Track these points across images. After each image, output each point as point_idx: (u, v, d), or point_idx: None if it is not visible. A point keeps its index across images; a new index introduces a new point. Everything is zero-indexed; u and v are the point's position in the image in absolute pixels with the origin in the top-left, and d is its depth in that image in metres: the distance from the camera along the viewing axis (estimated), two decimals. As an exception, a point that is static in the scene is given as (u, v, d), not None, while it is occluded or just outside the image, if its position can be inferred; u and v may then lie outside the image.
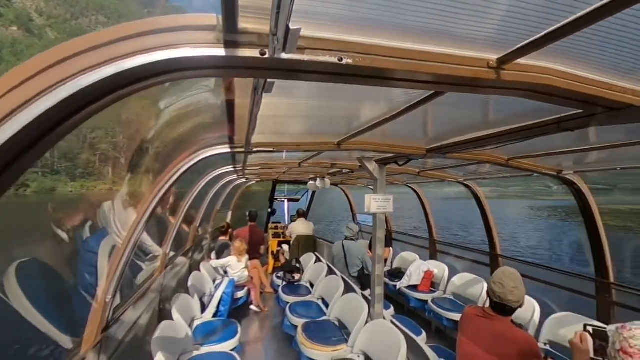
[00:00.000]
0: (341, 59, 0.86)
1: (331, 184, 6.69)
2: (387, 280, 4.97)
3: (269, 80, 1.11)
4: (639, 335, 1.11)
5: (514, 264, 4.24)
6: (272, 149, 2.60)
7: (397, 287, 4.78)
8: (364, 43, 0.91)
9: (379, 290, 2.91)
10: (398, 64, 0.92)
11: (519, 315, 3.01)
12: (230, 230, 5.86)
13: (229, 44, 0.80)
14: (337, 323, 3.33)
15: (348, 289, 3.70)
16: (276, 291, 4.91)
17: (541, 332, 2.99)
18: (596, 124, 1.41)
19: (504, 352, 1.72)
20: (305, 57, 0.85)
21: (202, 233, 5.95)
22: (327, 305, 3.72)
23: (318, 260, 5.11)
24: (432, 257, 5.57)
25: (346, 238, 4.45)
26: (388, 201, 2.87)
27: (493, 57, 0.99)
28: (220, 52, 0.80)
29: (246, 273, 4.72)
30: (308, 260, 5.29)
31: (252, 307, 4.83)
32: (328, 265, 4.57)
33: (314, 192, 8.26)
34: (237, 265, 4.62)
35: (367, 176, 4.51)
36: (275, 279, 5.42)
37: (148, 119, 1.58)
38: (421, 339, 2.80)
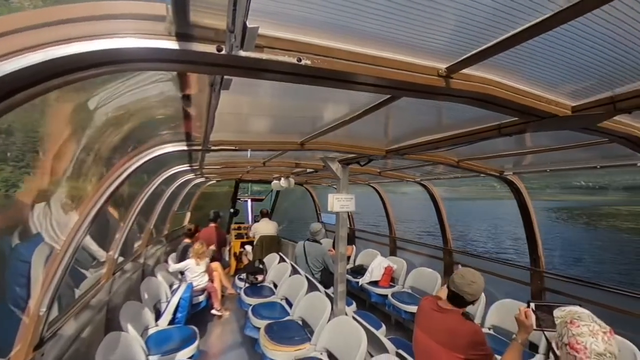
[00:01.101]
0: (300, 60, 0.86)
1: (296, 184, 6.67)
2: (350, 277, 5.09)
3: (226, 77, 1.08)
4: (585, 333, 1.22)
5: (463, 257, 4.61)
6: (233, 147, 2.52)
7: (360, 284, 4.92)
8: (324, 45, 0.92)
9: (342, 287, 2.97)
10: (356, 68, 0.95)
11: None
12: (197, 234, 5.51)
13: (181, 37, 0.76)
14: (300, 322, 3.34)
15: (312, 287, 3.72)
16: (238, 294, 4.77)
17: (486, 319, 3.29)
18: (530, 130, 1.59)
19: (455, 344, 1.88)
20: (263, 55, 0.84)
21: (157, 236, 5.57)
22: (290, 305, 3.71)
23: (282, 260, 5.06)
24: (392, 253, 5.83)
25: (308, 239, 4.46)
26: (351, 200, 2.94)
27: (442, 66, 1.07)
28: (172, 45, 0.75)
29: (206, 277, 4.51)
30: (272, 260, 5.23)
31: (213, 311, 4.64)
32: (292, 265, 4.56)
33: (278, 192, 8.17)
34: (196, 269, 4.41)
35: (331, 176, 4.58)
36: (237, 281, 5.27)
37: (91, 111, 1.43)
38: (381, 332, 2.92)
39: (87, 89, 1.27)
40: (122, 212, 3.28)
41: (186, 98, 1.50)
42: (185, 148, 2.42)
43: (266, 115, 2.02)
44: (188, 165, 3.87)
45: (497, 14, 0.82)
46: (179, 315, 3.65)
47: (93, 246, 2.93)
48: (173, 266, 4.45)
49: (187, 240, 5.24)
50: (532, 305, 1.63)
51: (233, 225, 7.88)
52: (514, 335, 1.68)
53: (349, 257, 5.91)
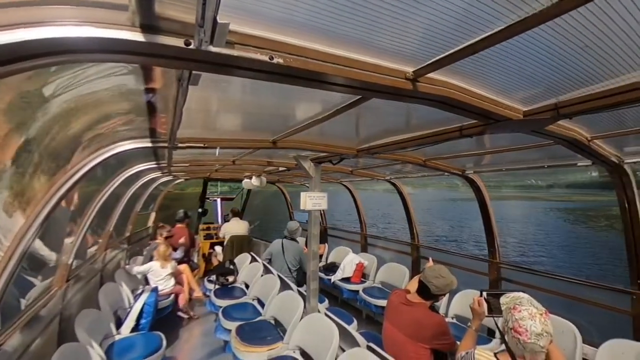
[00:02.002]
0: (272, 58, 0.86)
1: (268, 182, 6.58)
2: (322, 274, 5.14)
3: (194, 72, 1.04)
4: (526, 317, 1.37)
5: (429, 251, 4.85)
6: (202, 145, 2.44)
7: (332, 281, 4.99)
8: (296, 45, 0.92)
9: (314, 285, 3.00)
10: (328, 68, 0.96)
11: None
12: (170, 237, 5.19)
13: (146, 29, 0.73)
14: (273, 322, 3.32)
15: (284, 286, 3.71)
16: (208, 296, 4.62)
17: (449, 308, 3.50)
18: (488, 132, 1.71)
19: (421, 335, 2.00)
20: (235, 52, 0.82)
21: (118, 238, 5.21)
22: (263, 306, 3.67)
23: (254, 260, 4.98)
24: (363, 250, 5.97)
25: (285, 237, 4.44)
26: (323, 198, 2.97)
27: (410, 69, 1.12)
28: (135, 36, 0.71)
29: (172, 281, 4.31)
30: (243, 260, 5.12)
31: (180, 313, 4.45)
32: (264, 265, 4.50)
33: (249, 191, 8.01)
34: (160, 272, 4.19)
35: (304, 174, 4.59)
36: (206, 283, 5.09)
37: (41, 102, 1.30)
38: (352, 327, 2.98)
39: (38, 76, 1.16)
40: (78, 213, 3.03)
41: (151, 92, 1.42)
42: (149, 145, 2.29)
43: (237, 113, 1.97)
44: (155, 163, 3.66)
45: (460, 23, 0.88)
46: (142, 321, 3.46)
47: (44, 251, 2.67)
48: (135, 269, 4.20)
49: (157, 241, 4.97)
50: (484, 294, 1.77)
51: (202, 226, 7.59)
52: (469, 323, 1.81)
53: (321, 255, 5.97)
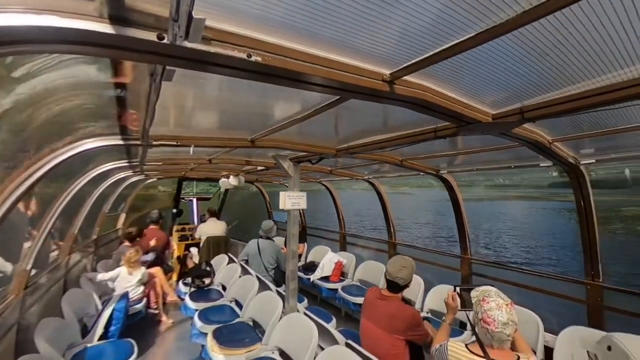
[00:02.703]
0: (250, 56, 0.85)
1: (246, 182, 6.47)
2: (301, 274, 5.14)
3: (168, 67, 1.00)
4: (493, 307, 1.46)
5: (405, 249, 5.00)
6: (175, 143, 2.35)
7: (311, 280, 5.00)
8: (275, 43, 0.92)
9: (293, 285, 2.99)
10: (306, 68, 0.96)
11: (408, 291, 3.57)
12: (139, 238, 4.93)
13: (116, 21, 0.69)
14: (251, 323, 3.26)
15: (263, 287, 3.66)
16: (182, 299, 4.46)
17: (424, 304, 3.63)
18: (461, 134, 1.79)
19: (395, 327, 2.06)
20: (211, 48, 0.80)
21: (84, 241, 4.90)
22: (241, 307, 3.60)
23: (231, 261, 4.88)
24: (342, 248, 6.04)
25: (261, 236, 4.39)
26: (302, 198, 2.96)
27: (387, 72, 1.15)
28: (104, 28, 0.68)
29: (141, 288, 4.10)
30: (220, 262, 4.99)
31: (151, 310, 4.26)
32: (242, 265, 4.42)
33: (227, 190, 7.83)
34: (129, 279, 3.97)
35: (283, 174, 4.55)
36: (181, 286, 4.92)
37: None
38: (331, 325, 3.01)
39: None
40: (39, 215, 2.82)
41: (121, 87, 1.35)
42: (120, 142, 2.18)
43: (214, 110, 1.92)
44: (126, 161, 3.48)
45: (433, 29, 0.91)
46: (112, 328, 3.27)
47: (-3, 258, 2.47)
48: (100, 276, 3.95)
49: (127, 244, 4.72)
50: (458, 289, 1.85)
51: (176, 227, 7.31)
52: (443, 317, 1.89)
53: (300, 255, 5.96)
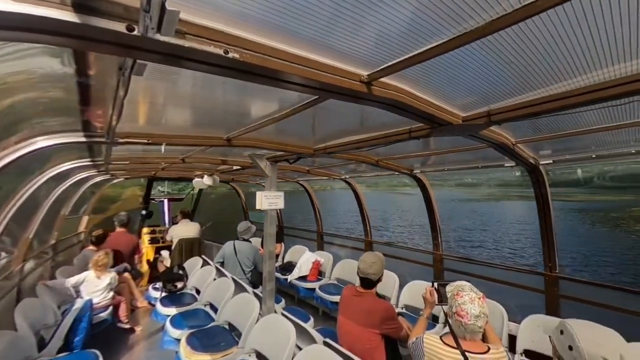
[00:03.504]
0: (227, 52, 0.82)
1: (221, 181, 6.29)
2: (279, 274, 5.09)
3: (139, 61, 0.95)
4: (467, 301, 1.54)
5: (380, 247, 5.12)
6: (146, 141, 2.23)
7: (289, 280, 4.97)
8: (253, 41, 0.90)
9: (270, 286, 2.96)
10: (285, 66, 0.96)
11: (383, 287, 3.66)
12: (98, 241, 4.60)
13: (80, 8, 0.64)
14: (227, 327, 3.18)
15: (239, 289, 3.58)
16: (153, 305, 4.25)
17: (400, 299, 3.73)
18: (434, 135, 1.87)
19: (371, 321, 2.11)
20: (185, 43, 0.77)
21: (40, 247, 4.51)
22: (216, 311, 3.50)
23: (206, 263, 4.72)
24: (320, 248, 6.06)
25: (237, 238, 4.29)
26: (279, 197, 2.94)
27: (364, 73, 1.17)
28: (66, 15, 0.63)
29: (111, 293, 3.87)
30: (194, 265, 4.82)
31: (121, 324, 4.02)
32: (217, 268, 4.30)
33: (200, 190, 7.57)
34: (96, 283, 3.74)
35: (259, 173, 4.48)
36: (151, 291, 4.69)
37: None
38: (309, 325, 3.01)
39: None
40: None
41: (84, 80, 1.26)
42: (82, 140, 2.04)
43: (187, 107, 1.85)
44: (89, 160, 3.25)
45: (408, 32, 0.94)
46: (75, 339, 3.05)
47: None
48: (67, 281, 3.68)
49: (91, 248, 4.41)
50: (435, 284, 1.94)
51: (145, 230, 6.95)
52: (421, 312, 1.97)
53: (277, 255, 5.90)
